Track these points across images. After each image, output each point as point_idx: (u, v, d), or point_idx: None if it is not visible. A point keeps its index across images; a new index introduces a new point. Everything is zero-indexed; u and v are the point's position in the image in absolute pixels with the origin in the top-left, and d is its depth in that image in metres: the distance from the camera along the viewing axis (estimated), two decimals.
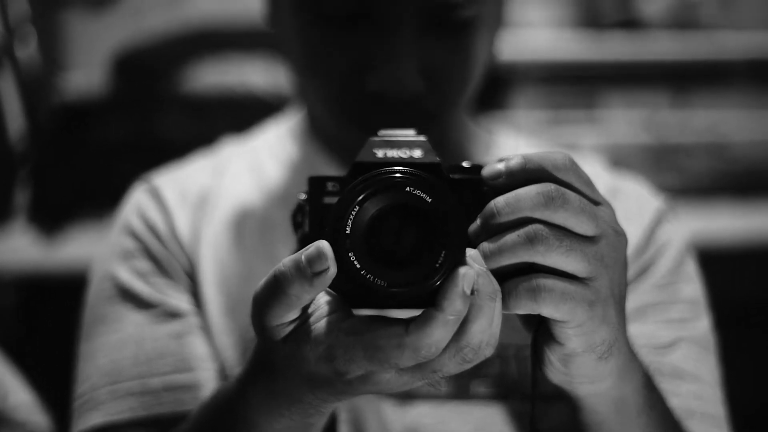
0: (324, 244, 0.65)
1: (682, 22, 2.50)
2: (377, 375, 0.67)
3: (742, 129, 2.48)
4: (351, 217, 0.66)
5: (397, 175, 0.66)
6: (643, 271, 1.02)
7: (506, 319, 0.69)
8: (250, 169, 1.11)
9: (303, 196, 0.76)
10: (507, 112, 2.48)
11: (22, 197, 2.04)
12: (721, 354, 1.04)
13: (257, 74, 2.09)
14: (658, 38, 2.48)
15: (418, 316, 0.65)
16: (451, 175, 0.72)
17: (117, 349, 0.97)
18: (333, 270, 0.65)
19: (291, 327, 0.69)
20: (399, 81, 0.95)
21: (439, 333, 0.64)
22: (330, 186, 0.71)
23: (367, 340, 0.65)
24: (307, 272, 0.65)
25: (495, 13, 1.02)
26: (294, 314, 0.68)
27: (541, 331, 0.73)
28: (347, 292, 0.67)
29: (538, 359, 0.75)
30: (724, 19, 2.52)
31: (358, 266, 0.65)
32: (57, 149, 2.08)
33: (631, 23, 2.51)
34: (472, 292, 0.65)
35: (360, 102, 0.98)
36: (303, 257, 0.65)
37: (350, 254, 0.65)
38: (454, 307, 0.64)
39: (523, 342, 0.93)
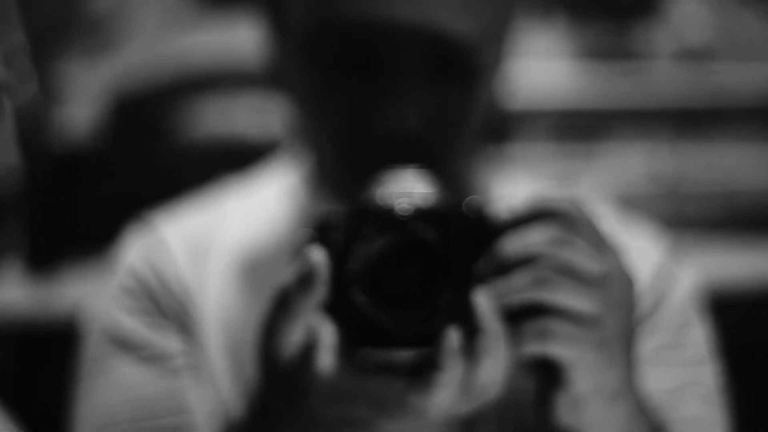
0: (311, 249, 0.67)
1: (688, 60, 2.54)
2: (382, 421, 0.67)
3: (747, 168, 2.51)
4: (356, 251, 0.66)
5: (403, 210, 0.67)
6: (649, 318, 1.00)
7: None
8: (252, 212, 1.10)
9: (308, 233, 0.75)
10: (510, 145, 2.50)
11: (16, 242, 2.05)
12: (730, 400, 1.03)
13: (249, 118, 2.12)
14: (663, 76, 2.51)
15: (420, 378, 0.65)
16: (457, 214, 0.71)
17: (110, 392, 0.97)
18: (322, 260, 0.66)
19: (295, 351, 0.68)
20: (403, 122, 0.94)
21: (443, 394, 0.65)
22: (335, 223, 0.70)
23: (371, 391, 0.66)
24: (302, 268, 0.67)
25: (499, 54, 1.02)
26: (297, 329, 0.67)
27: (547, 374, 0.72)
28: (351, 329, 0.67)
29: (544, 404, 0.74)
30: (731, 58, 2.56)
31: (362, 300, 0.65)
32: (52, 195, 2.11)
33: (635, 60, 2.54)
34: (475, 334, 0.65)
35: (365, 144, 0.97)
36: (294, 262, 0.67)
37: (355, 288, 0.66)
38: (452, 368, 0.65)
39: (525, 396, 0.93)
